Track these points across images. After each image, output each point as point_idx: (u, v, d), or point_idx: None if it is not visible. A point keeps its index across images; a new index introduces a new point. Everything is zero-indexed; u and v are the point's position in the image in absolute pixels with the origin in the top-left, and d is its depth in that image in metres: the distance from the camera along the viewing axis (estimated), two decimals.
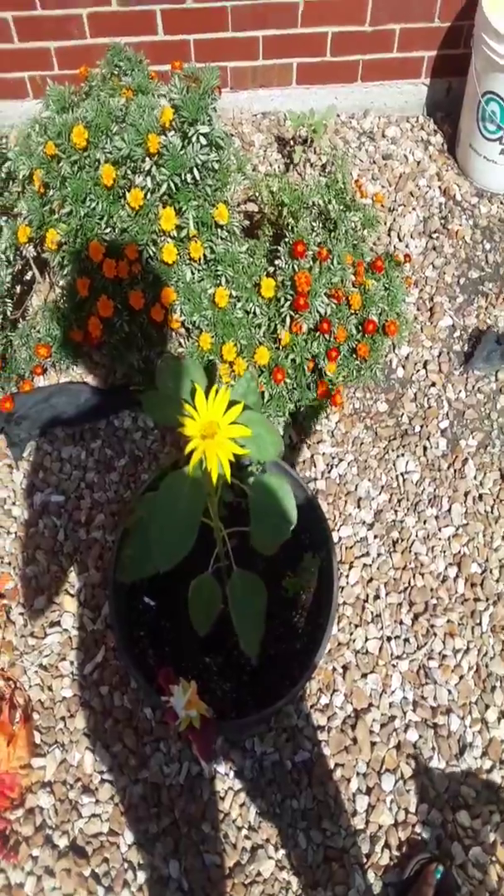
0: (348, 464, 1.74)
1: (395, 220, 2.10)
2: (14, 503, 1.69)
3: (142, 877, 1.32)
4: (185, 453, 0.97)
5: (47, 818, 1.38)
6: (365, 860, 1.33)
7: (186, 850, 1.34)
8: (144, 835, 1.36)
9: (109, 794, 1.39)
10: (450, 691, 1.48)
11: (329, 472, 1.74)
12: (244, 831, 1.35)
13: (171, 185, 1.52)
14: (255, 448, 1.04)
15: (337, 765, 1.41)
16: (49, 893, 1.31)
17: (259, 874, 1.32)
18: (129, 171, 1.57)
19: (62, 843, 1.35)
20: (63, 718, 1.46)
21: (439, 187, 2.17)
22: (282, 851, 1.34)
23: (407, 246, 2.07)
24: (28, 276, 1.92)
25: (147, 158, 1.52)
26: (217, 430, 0.98)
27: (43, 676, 1.50)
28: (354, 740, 1.43)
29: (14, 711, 1.45)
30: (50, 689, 1.49)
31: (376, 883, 1.31)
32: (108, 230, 1.57)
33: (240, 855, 1.34)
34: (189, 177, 1.53)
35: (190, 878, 1.32)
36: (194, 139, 1.50)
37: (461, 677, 1.50)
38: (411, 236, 2.08)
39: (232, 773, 1.40)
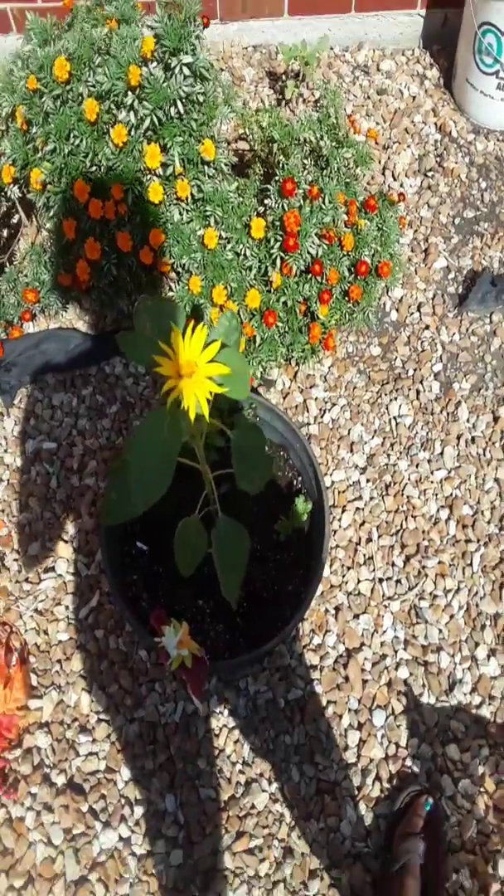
0: (341, 408, 1.73)
1: (388, 157, 2.05)
2: (6, 450, 1.69)
3: (139, 811, 1.36)
4: (162, 392, 0.96)
5: (45, 757, 1.41)
6: (356, 793, 1.37)
7: (182, 784, 1.37)
8: (141, 771, 1.39)
9: (106, 733, 1.42)
10: (440, 630, 1.50)
11: (322, 416, 1.73)
12: (238, 766, 1.39)
13: (155, 119, 1.47)
14: (231, 386, 1.02)
15: (329, 702, 1.43)
16: (49, 827, 1.35)
17: (253, 807, 1.36)
18: (112, 106, 1.51)
19: (60, 780, 1.39)
20: (59, 661, 1.48)
21: (435, 123, 2.11)
22: (275, 785, 1.37)
23: (401, 185, 2.01)
24: (14, 220, 1.87)
25: (129, 92, 1.47)
26: (195, 370, 0.97)
27: (38, 621, 1.52)
28: (346, 678, 1.45)
29: (10, 655, 1.47)
30: (46, 632, 1.51)
31: (367, 814, 1.35)
32: (94, 168, 1.53)
33: (234, 789, 1.37)
34: (173, 110, 1.48)
35: (185, 811, 1.35)
36: (177, 70, 1.45)
37: (451, 616, 1.51)
38: (406, 175, 2.03)
39: (226, 712, 1.42)
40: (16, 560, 1.58)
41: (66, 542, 1.59)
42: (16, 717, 1.42)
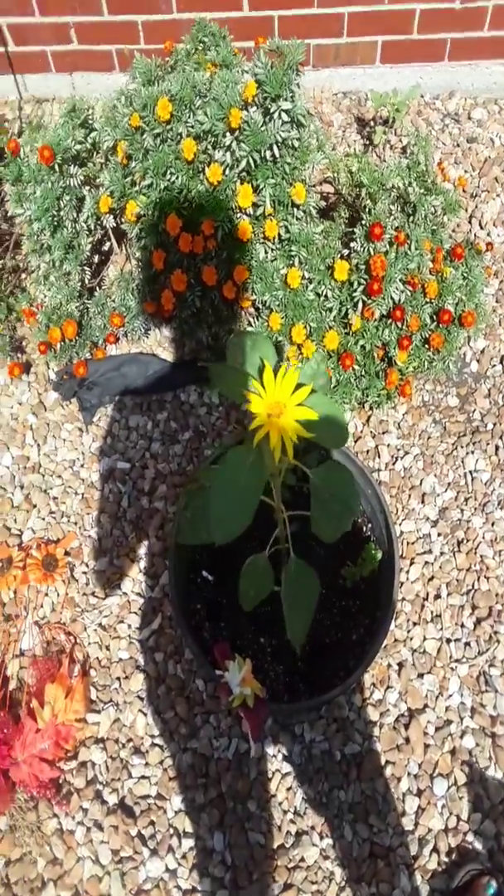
0: (414, 457, 1.70)
1: (477, 206, 2.03)
2: (83, 465, 1.72)
3: (186, 844, 1.33)
4: (250, 430, 0.95)
5: (99, 773, 1.40)
6: (412, 862, 1.30)
7: (231, 825, 1.34)
8: (191, 804, 1.36)
9: (159, 759, 1.40)
10: None
11: (394, 464, 1.69)
12: (290, 815, 1.34)
13: (251, 161, 1.49)
14: (320, 433, 1.01)
15: (388, 762, 1.38)
16: (97, 846, 1.34)
17: (303, 860, 1.31)
18: (209, 146, 1.55)
19: (112, 799, 1.37)
20: (119, 679, 1.48)
21: None
22: (327, 841, 1.32)
23: (489, 234, 1.99)
24: (106, 247, 1.93)
25: (228, 133, 1.50)
26: (283, 410, 0.96)
27: (101, 636, 1.52)
28: (407, 739, 1.40)
29: (73, 665, 1.48)
30: (108, 648, 1.51)
31: (423, 886, 1.28)
32: (186, 204, 1.56)
33: (284, 838, 1.32)
34: (269, 154, 1.50)
35: (234, 853, 1.32)
36: (276, 115, 1.47)
37: None
38: (494, 224, 2.00)
39: (280, 756, 1.39)
40: (84, 573, 1.59)
41: (133, 561, 1.59)
42: (74, 729, 1.42)
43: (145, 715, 1.44)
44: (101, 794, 1.38)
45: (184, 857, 1.32)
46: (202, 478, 1.13)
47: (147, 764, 1.40)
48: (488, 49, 2.15)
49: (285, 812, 1.34)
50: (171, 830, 1.34)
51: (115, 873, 1.31)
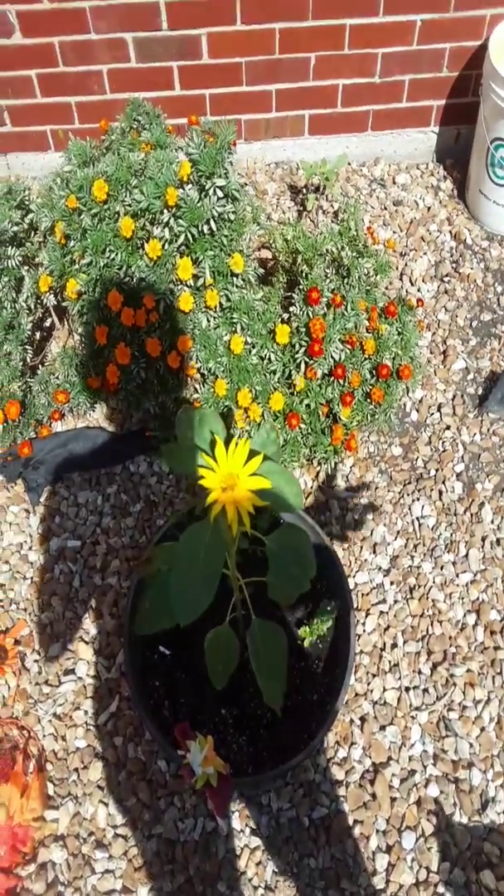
0: (363, 508, 1.74)
1: (406, 264, 2.13)
2: (30, 548, 1.69)
3: None
4: (206, 506, 0.97)
5: (60, 874, 1.35)
6: None
7: None
8: (158, 893, 1.32)
9: (123, 850, 1.36)
10: (471, 744, 1.45)
11: (344, 516, 1.73)
12: (260, 891, 1.32)
13: (189, 236, 1.55)
14: (275, 500, 1.03)
15: (356, 821, 1.38)
16: None
17: None
18: (147, 223, 1.60)
19: None
20: (77, 770, 1.44)
21: (450, 232, 2.20)
22: None
23: (419, 290, 2.08)
24: (48, 323, 1.95)
25: (165, 210, 1.55)
26: (237, 482, 0.98)
27: (57, 726, 1.48)
28: (374, 796, 1.40)
29: (28, 762, 1.43)
30: (64, 738, 1.47)
31: None
32: (127, 279, 1.60)
33: None
34: (206, 228, 1.56)
35: None
36: (211, 192, 1.53)
37: (482, 729, 1.47)
38: (423, 280, 2.10)
39: (248, 830, 1.37)
40: (36, 661, 1.56)
41: (86, 643, 1.57)
42: (31, 829, 1.37)
43: (106, 805, 1.40)
44: None
45: None
46: (157, 559, 1.14)
47: (111, 857, 1.36)
48: (408, 118, 2.28)
49: (255, 888, 1.32)
50: None
51: None
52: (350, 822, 1.37)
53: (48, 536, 1.70)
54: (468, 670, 1.52)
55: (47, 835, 1.38)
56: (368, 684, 1.51)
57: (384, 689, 1.51)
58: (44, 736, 1.47)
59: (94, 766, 1.43)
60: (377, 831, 1.37)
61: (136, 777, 1.42)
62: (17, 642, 1.56)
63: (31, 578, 1.65)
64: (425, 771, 1.43)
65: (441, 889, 1.32)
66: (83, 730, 1.47)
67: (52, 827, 1.38)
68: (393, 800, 1.40)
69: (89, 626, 1.59)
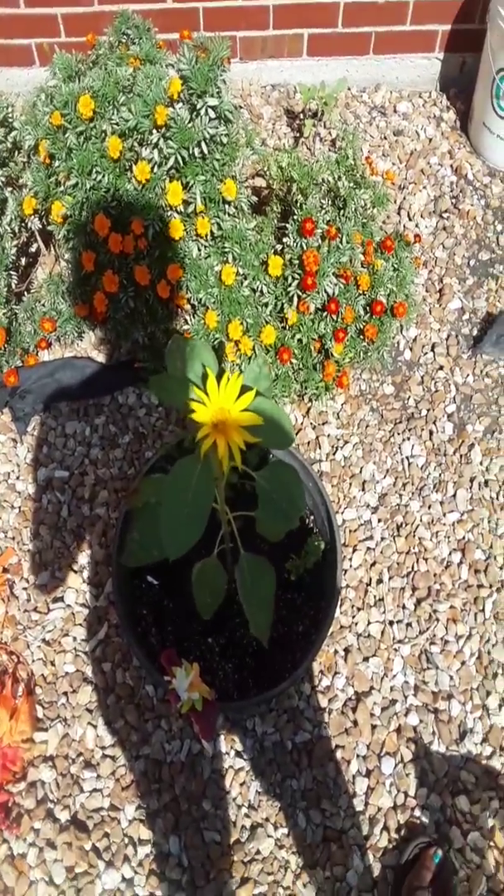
0: (353, 446, 1.73)
1: (405, 198, 2.07)
2: (18, 478, 1.68)
3: (142, 852, 1.34)
4: (196, 440, 0.95)
5: (49, 792, 1.39)
6: (364, 842, 1.34)
7: (186, 826, 1.35)
8: (145, 811, 1.37)
9: (111, 770, 1.40)
10: (451, 677, 1.48)
11: (334, 454, 1.72)
12: (244, 810, 1.36)
13: (179, 158, 1.48)
14: (266, 436, 1.02)
15: (337, 746, 1.42)
16: (51, 865, 1.33)
17: (258, 852, 1.33)
18: (135, 144, 1.53)
19: (63, 816, 1.36)
20: (65, 693, 1.46)
21: (451, 165, 2.14)
22: (281, 830, 1.35)
23: (417, 226, 2.03)
24: (33, 249, 1.89)
25: (154, 131, 1.48)
26: (228, 417, 0.97)
27: (46, 651, 1.50)
28: (355, 723, 1.43)
29: (17, 686, 1.46)
30: (53, 664, 1.49)
31: (375, 865, 1.33)
32: (114, 203, 1.54)
33: (239, 833, 1.35)
34: (197, 150, 1.49)
35: (190, 854, 1.33)
36: (203, 112, 1.47)
37: (463, 663, 1.50)
38: (421, 216, 2.04)
39: (233, 752, 1.40)
40: (25, 589, 1.57)
41: (75, 572, 1.58)
42: (21, 750, 1.40)
43: (95, 727, 1.43)
44: (53, 813, 1.37)
45: (140, 864, 1.33)
46: (146, 491, 1.13)
47: (98, 777, 1.39)
48: (411, 43, 2.18)
49: (239, 807, 1.36)
50: (126, 840, 1.35)
51: (70, 891, 1.30)
52: (332, 746, 1.41)
53: (36, 466, 1.69)
54: (451, 606, 1.55)
55: (37, 755, 1.41)
56: (353, 617, 1.54)
57: (369, 623, 1.53)
58: (33, 661, 1.49)
59: (82, 690, 1.46)
60: (357, 756, 1.41)
61: (124, 701, 1.45)
62: (5, 570, 1.57)
63: (19, 508, 1.64)
64: (406, 701, 1.46)
65: (417, 812, 1.37)
66: (72, 655, 1.49)
67: (42, 748, 1.42)
68: (374, 727, 1.43)
69: (78, 555, 1.59)
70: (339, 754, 1.41)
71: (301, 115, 2.19)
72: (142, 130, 1.50)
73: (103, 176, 1.52)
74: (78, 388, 1.75)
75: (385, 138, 2.17)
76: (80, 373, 1.75)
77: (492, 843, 1.34)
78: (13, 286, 1.70)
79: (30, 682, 1.47)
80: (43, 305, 1.73)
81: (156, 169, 1.52)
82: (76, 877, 1.32)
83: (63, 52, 1.61)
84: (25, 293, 1.80)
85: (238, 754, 1.40)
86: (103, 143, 1.51)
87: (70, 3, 2.01)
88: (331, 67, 2.22)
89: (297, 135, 2.17)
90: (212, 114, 1.47)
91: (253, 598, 1.09)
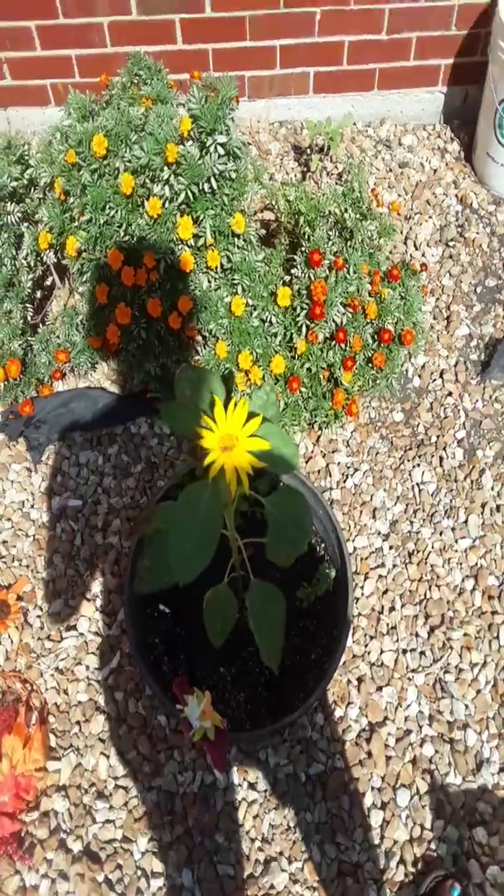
0: (364, 473, 1.74)
1: (411, 228, 2.10)
2: (32, 506, 1.70)
3: (155, 885, 1.32)
4: (204, 466, 0.97)
5: (62, 822, 1.38)
6: (380, 876, 1.32)
7: (199, 859, 1.33)
8: (158, 843, 1.35)
9: (123, 801, 1.39)
10: (466, 706, 1.47)
11: (344, 481, 1.73)
12: (258, 843, 1.35)
13: (189, 194, 1.52)
14: (273, 461, 1.03)
15: (352, 778, 1.40)
16: None
17: (272, 887, 1.31)
18: (147, 180, 1.57)
19: (76, 847, 1.35)
20: (78, 722, 1.46)
21: (456, 195, 2.17)
22: (296, 864, 1.33)
23: (423, 254, 2.06)
24: (48, 282, 1.93)
25: (165, 168, 1.52)
26: (235, 443, 0.98)
27: (59, 680, 1.50)
28: (369, 754, 1.42)
29: (30, 714, 1.45)
30: (66, 692, 1.49)
31: None
32: (127, 238, 1.58)
33: (253, 867, 1.33)
34: (206, 186, 1.53)
35: (203, 887, 1.31)
36: (212, 149, 1.51)
37: (478, 692, 1.48)
38: (427, 245, 2.07)
39: (246, 784, 1.39)
40: (39, 617, 1.57)
41: (88, 600, 1.58)
42: (34, 779, 1.39)
43: (107, 757, 1.42)
44: (65, 843, 1.36)
45: None
46: (156, 519, 1.14)
47: (111, 807, 1.38)
48: (415, 77, 2.23)
49: (253, 840, 1.35)
50: (139, 872, 1.33)
51: None
52: (346, 778, 1.40)
53: (50, 495, 1.70)
54: (465, 634, 1.54)
55: (49, 785, 1.40)
56: (366, 646, 1.53)
57: (381, 651, 1.52)
58: (46, 689, 1.49)
59: (95, 719, 1.46)
60: (372, 788, 1.39)
61: (136, 731, 1.44)
62: (19, 598, 1.58)
63: (33, 536, 1.66)
64: (421, 731, 1.44)
65: (434, 845, 1.35)
66: (85, 684, 1.49)
67: (55, 777, 1.41)
68: (388, 758, 1.42)
69: (91, 584, 1.60)
70: (353, 786, 1.39)
71: (308, 150, 2.24)
72: (153, 167, 1.54)
73: (116, 211, 1.55)
74: (91, 418, 1.77)
75: (390, 170, 2.21)
76: (93, 403, 1.77)
77: None
78: (29, 318, 1.74)
79: (43, 710, 1.47)
80: (57, 337, 1.76)
81: (167, 204, 1.56)
82: None
83: (77, 92, 1.66)
84: (41, 325, 1.84)
85: (251, 786, 1.39)
86: (116, 180, 1.55)
87: (84, 45, 2.08)
88: (336, 103, 2.28)
89: (305, 169, 2.21)
90: (221, 151, 1.51)
91: (263, 624, 1.09)
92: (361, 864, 1.33)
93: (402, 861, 1.33)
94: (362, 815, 1.37)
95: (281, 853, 1.34)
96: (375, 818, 1.36)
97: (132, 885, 1.32)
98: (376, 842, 1.35)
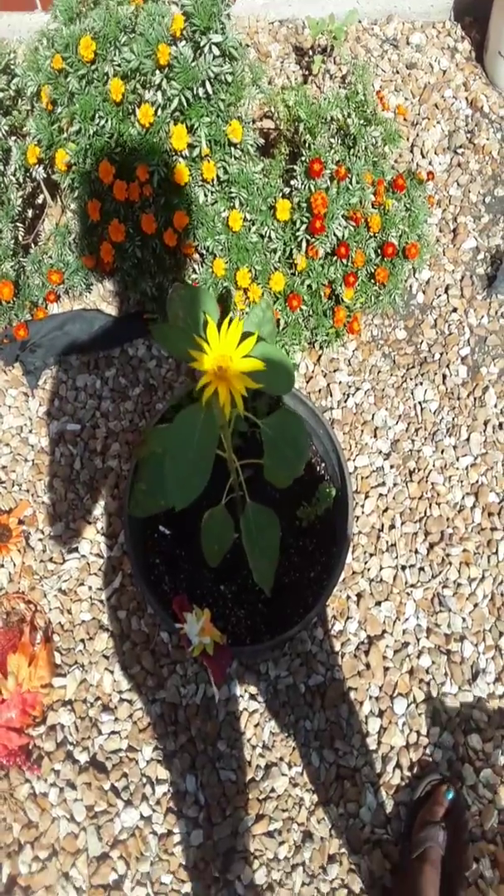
0: (365, 392, 1.72)
1: (418, 134, 2.00)
2: (31, 431, 1.70)
3: (160, 791, 1.38)
4: (198, 388, 0.95)
5: (68, 735, 1.43)
6: (377, 779, 1.37)
7: (202, 766, 1.39)
8: (162, 752, 1.41)
9: (128, 713, 1.44)
10: (464, 619, 1.49)
11: (345, 400, 1.71)
12: (258, 749, 1.40)
13: (183, 99, 1.44)
14: (268, 381, 1.01)
15: (350, 688, 1.44)
16: (71, 804, 1.38)
17: (273, 790, 1.37)
18: (138, 86, 1.49)
19: (83, 758, 1.41)
20: (83, 640, 1.50)
21: (466, 98, 2.05)
22: (295, 769, 1.39)
23: (430, 163, 1.97)
24: (39, 200, 1.86)
25: (157, 71, 1.44)
26: (230, 364, 0.96)
27: (62, 600, 1.54)
28: (367, 665, 1.46)
29: (35, 633, 1.49)
30: (69, 612, 1.53)
31: (388, 801, 1.36)
32: (118, 149, 1.51)
33: (254, 772, 1.39)
34: (201, 91, 1.45)
35: (206, 792, 1.37)
36: (206, 49, 1.42)
37: (475, 605, 1.51)
38: (435, 152, 1.98)
39: (247, 695, 1.44)
40: (40, 540, 1.59)
41: (89, 523, 1.60)
42: (40, 695, 1.44)
43: (111, 672, 1.47)
44: (72, 755, 1.42)
45: (158, 803, 1.38)
46: (152, 442, 1.13)
47: (116, 719, 1.44)
48: None
49: (254, 747, 1.40)
50: (144, 780, 1.39)
51: (91, 828, 1.36)
52: (344, 688, 1.44)
53: (48, 420, 1.70)
54: (464, 550, 1.55)
55: (55, 700, 1.45)
56: (366, 563, 1.55)
57: (381, 568, 1.54)
58: (50, 609, 1.53)
59: (99, 637, 1.49)
60: (370, 697, 1.43)
61: (139, 647, 1.48)
62: (20, 522, 1.60)
63: (32, 461, 1.66)
64: (418, 643, 1.48)
65: (430, 751, 1.40)
66: (88, 604, 1.52)
67: (60, 693, 1.46)
68: (386, 669, 1.45)
69: (92, 507, 1.61)
70: (351, 696, 1.44)
71: (310, 52, 2.11)
72: (144, 71, 1.45)
73: (106, 121, 1.48)
74: (88, 340, 1.74)
75: (397, 72, 2.09)
76: (89, 325, 1.74)
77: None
78: (20, 238, 1.68)
79: (47, 629, 1.51)
80: (50, 257, 1.71)
81: (159, 112, 1.48)
82: (96, 815, 1.37)
83: None
84: (32, 245, 1.79)
85: (252, 697, 1.43)
86: (105, 87, 1.47)
87: None
88: None
89: (307, 72, 2.09)
90: (216, 51, 1.42)
91: (257, 547, 1.10)
92: (359, 769, 1.38)
93: (398, 765, 1.38)
94: (360, 722, 1.42)
95: (281, 759, 1.39)
96: (373, 725, 1.41)
97: (137, 791, 1.38)
98: (373, 747, 1.40)
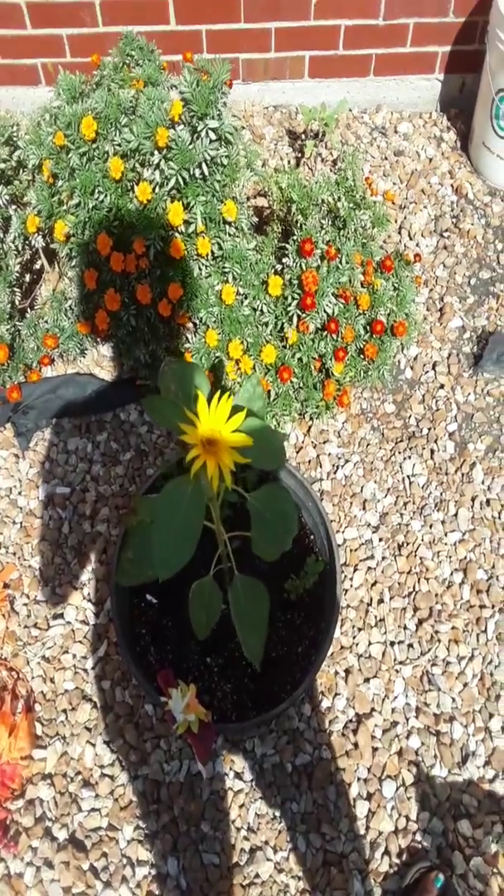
0: (354, 465, 1.73)
1: (405, 217, 2.08)
2: (20, 493, 1.68)
3: (140, 873, 1.32)
4: (187, 460, 0.95)
5: (47, 810, 1.38)
6: (365, 866, 1.32)
7: (185, 848, 1.33)
8: (144, 831, 1.35)
9: (109, 789, 1.39)
10: (453, 699, 1.47)
11: (335, 472, 1.72)
12: (243, 832, 1.35)
13: (180, 179, 1.50)
14: (257, 456, 1.02)
15: (338, 769, 1.40)
16: (48, 885, 1.31)
17: (257, 876, 1.32)
18: (137, 165, 1.55)
19: (62, 835, 1.35)
20: (65, 711, 1.46)
21: (451, 185, 2.15)
22: (281, 854, 1.33)
23: (417, 245, 2.04)
24: (37, 266, 1.90)
25: (156, 152, 1.50)
26: (219, 439, 0.96)
27: (45, 668, 1.50)
28: (356, 745, 1.42)
29: (16, 702, 1.45)
30: (52, 680, 1.48)
31: (376, 889, 1.31)
32: (117, 223, 1.55)
33: (238, 855, 1.33)
34: (198, 171, 1.51)
35: (188, 876, 1.31)
36: (203, 133, 1.48)
37: (465, 685, 1.48)
38: (422, 235, 2.05)
39: (232, 774, 1.39)
40: (25, 605, 1.56)
41: (76, 588, 1.57)
42: (19, 767, 1.39)
43: (93, 746, 1.42)
44: (51, 831, 1.36)
45: (138, 885, 1.31)
46: (140, 511, 1.12)
47: (97, 796, 1.38)
48: (411, 64, 2.21)
49: (238, 829, 1.35)
50: (125, 860, 1.33)
51: None
52: (332, 769, 1.40)
53: (38, 482, 1.69)
54: (453, 627, 1.54)
55: (35, 773, 1.40)
56: (354, 637, 1.53)
57: (369, 643, 1.52)
58: (32, 677, 1.48)
59: (81, 707, 1.45)
60: (358, 779, 1.39)
61: (123, 720, 1.44)
62: (6, 585, 1.57)
63: (21, 523, 1.64)
64: (407, 723, 1.45)
65: (419, 837, 1.35)
66: (71, 672, 1.49)
67: (40, 765, 1.41)
68: (375, 749, 1.42)
69: (78, 572, 1.59)
70: (339, 777, 1.40)
71: (303, 136, 2.21)
72: (143, 152, 1.51)
73: (105, 196, 1.53)
74: (80, 404, 1.75)
75: (386, 158, 2.19)
76: (82, 389, 1.75)
77: (495, 870, 1.32)
78: (17, 303, 1.71)
79: (29, 698, 1.46)
80: (46, 322, 1.74)
81: (157, 189, 1.53)
82: None
83: (67, 72, 1.63)
84: (29, 310, 1.81)
85: (237, 776, 1.39)
86: (105, 164, 1.53)
87: (75, 24, 2.04)
88: (332, 89, 2.25)
89: (299, 155, 2.19)
90: (212, 135, 1.49)
91: (246, 620, 1.09)
92: (346, 855, 1.33)
93: (386, 852, 1.33)
94: (348, 805, 1.37)
95: (266, 842, 1.34)
96: (361, 809, 1.37)
97: (117, 872, 1.32)
98: (362, 832, 1.35)
